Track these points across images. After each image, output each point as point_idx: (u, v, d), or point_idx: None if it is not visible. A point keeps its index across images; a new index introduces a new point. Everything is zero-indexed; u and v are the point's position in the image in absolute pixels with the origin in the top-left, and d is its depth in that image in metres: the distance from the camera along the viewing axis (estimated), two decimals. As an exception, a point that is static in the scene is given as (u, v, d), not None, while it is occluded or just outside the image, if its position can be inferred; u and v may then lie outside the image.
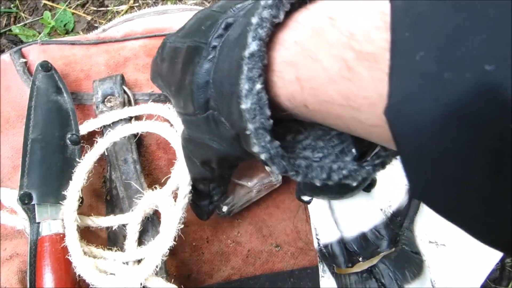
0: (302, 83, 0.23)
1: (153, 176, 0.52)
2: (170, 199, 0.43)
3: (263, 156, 0.25)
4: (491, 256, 0.49)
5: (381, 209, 0.50)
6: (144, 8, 0.95)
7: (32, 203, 0.43)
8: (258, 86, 0.24)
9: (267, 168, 0.50)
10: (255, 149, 0.25)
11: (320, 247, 0.50)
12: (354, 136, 0.28)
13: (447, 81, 0.15)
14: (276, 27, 0.25)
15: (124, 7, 0.91)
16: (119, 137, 0.47)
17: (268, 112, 0.24)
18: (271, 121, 0.24)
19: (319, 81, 0.22)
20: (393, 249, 0.49)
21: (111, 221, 0.45)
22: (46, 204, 0.44)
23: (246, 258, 0.53)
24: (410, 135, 0.17)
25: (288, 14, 0.25)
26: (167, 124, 0.47)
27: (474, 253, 0.49)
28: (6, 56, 0.53)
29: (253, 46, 0.24)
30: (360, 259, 0.48)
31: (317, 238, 0.50)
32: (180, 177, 0.44)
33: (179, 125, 0.46)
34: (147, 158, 0.53)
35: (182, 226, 0.42)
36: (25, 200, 0.43)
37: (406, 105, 0.17)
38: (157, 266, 0.40)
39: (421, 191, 0.19)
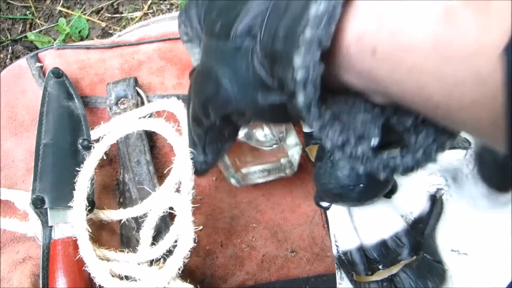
0: (381, 22, 0.21)
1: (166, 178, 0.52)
2: (187, 202, 0.42)
3: (299, 74, 0.22)
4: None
5: (402, 216, 0.49)
6: (159, 14, 0.95)
7: (45, 207, 0.43)
8: (339, 10, 0.21)
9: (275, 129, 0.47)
10: (297, 61, 0.22)
11: (339, 254, 0.48)
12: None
13: None
14: None
15: (138, 14, 0.92)
16: (115, 139, 0.46)
17: (332, 30, 0.21)
18: (330, 42, 0.22)
19: (405, 21, 0.20)
20: (414, 257, 0.47)
21: (121, 214, 0.45)
22: (58, 208, 0.44)
23: (261, 263, 0.51)
24: None
25: None
26: (161, 119, 0.46)
27: (497, 263, 0.47)
28: (22, 61, 0.54)
29: None
30: (380, 267, 0.47)
31: (336, 245, 0.49)
32: (182, 171, 0.43)
33: (185, 120, 0.45)
34: (160, 160, 0.52)
35: (200, 227, 0.42)
36: (37, 204, 0.43)
37: None
38: (179, 269, 0.40)
39: None
